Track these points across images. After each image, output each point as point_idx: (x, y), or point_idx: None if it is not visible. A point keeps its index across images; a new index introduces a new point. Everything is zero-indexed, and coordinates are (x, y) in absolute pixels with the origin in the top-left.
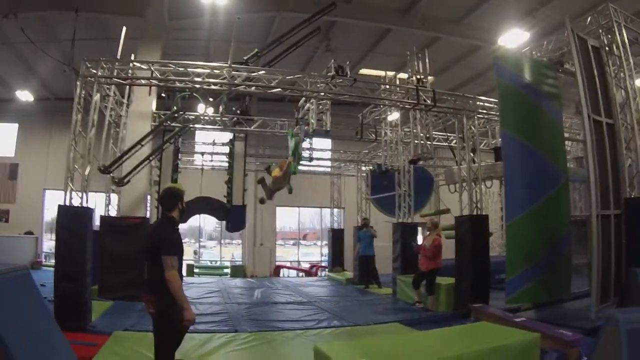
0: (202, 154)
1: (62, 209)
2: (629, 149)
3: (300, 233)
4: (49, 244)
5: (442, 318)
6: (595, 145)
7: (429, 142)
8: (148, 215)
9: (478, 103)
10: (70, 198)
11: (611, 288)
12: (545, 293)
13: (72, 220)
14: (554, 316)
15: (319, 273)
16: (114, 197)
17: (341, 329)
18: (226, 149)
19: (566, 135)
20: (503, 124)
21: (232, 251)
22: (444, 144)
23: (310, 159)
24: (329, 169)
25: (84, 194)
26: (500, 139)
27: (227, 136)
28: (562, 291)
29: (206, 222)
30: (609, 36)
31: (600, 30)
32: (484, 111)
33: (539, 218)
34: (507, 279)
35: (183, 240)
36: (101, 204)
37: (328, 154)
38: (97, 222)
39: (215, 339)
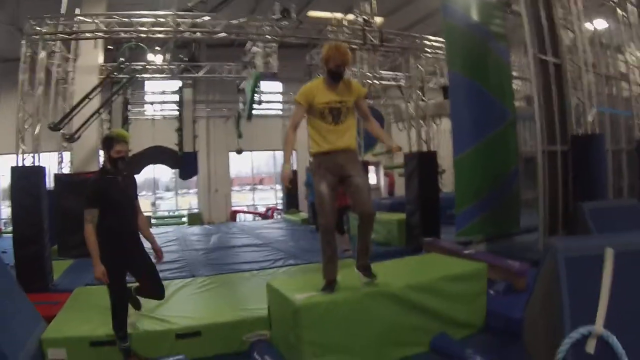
0: (152, 103)
1: (14, 170)
2: (576, 88)
3: (255, 178)
4: (7, 210)
5: (395, 252)
6: (541, 84)
7: (376, 81)
8: None
9: (425, 42)
10: (23, 159)
11: (559, 221)
12: (495, 226)
13: (25, 180)
14: (503, 249)
15: (274, 216)
16: (66, 156)
17: (296, 267)
18: (175, 97)
19: (515, 74)
20: (450, 63)
21: (190, 200)
22: (393, 83)
23: (260, 102)
24: (280, 112)
25: (36, 154)
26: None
27: (176, 84)
28: (511, 225)
29: (162, 174)
30: None
31: None
32: (431, 50)
33: (486, 153)
34: (456, 213)
35: (140, 194)
36: (54, 164)
37: (278, 97)
38: (51, 182)
39: (172, 285)
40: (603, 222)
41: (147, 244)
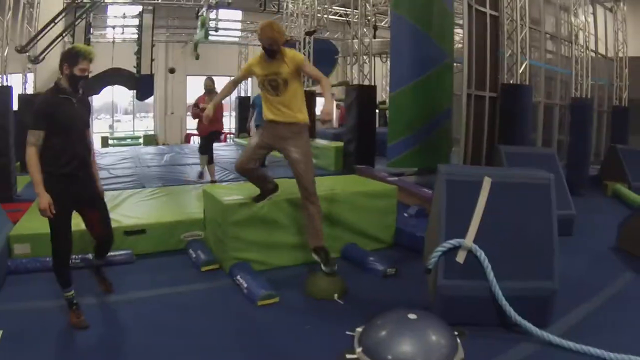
0: (113, 27)
1: None
2: (511, 39)
3: None
4: None
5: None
6: (475, 33)
7: (325, 16)
8: None
9: None
10: None
11: (482, 160)
12: (424, 159)
13: None
14: (430, 181)
15: (227, 140)
16: (30, 77)
17: (237, 182)
18: (135, 22)
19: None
20: (395, 6)
21: (147, 124)
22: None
23: (216, 29)
24: (237, 39)
25: (4, 75)
26: None
27: (137, 9)
28: (440, 160)
29: (121, 98)
30: None
31: None
32: None
33: (420, 92)
34: (388, 144)
35: (97, 117)
36: (19, 85)
37: (235, 24)
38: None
39: (124, 194)
40: (516, 163)
41: None
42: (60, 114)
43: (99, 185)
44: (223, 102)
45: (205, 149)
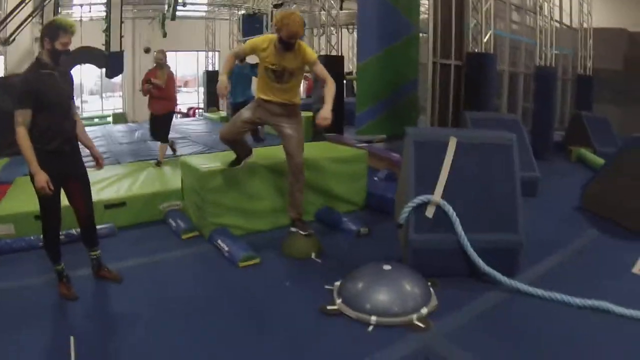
0: (81, 5)
1: None
2: (476, 10)
3: (180, 79)
4: None
5: None
6: (441, 3)
7: None
8: None
9: None
10: None
11: (448, 126)
12: (391, 127)
13: None
14: (398, 147)
15: (196, 114)
16: (0, 59)
17: (211, 154)
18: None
19: None
20: None
21: (114, 103)
22: None
23: (184, 3)
24: (204, 14)
25: None
26: None
27: None
28: (407, 126)
29: (86, 78)
30: None
31: None
32: None
33: (386, 61)
34: (357, 113)
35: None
36: None
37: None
38: None
39: (100, 170)
40: (482, 128)
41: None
42: (45, 90)
43: (96, 152)
44: (178, 76)
45: (164, 134)
